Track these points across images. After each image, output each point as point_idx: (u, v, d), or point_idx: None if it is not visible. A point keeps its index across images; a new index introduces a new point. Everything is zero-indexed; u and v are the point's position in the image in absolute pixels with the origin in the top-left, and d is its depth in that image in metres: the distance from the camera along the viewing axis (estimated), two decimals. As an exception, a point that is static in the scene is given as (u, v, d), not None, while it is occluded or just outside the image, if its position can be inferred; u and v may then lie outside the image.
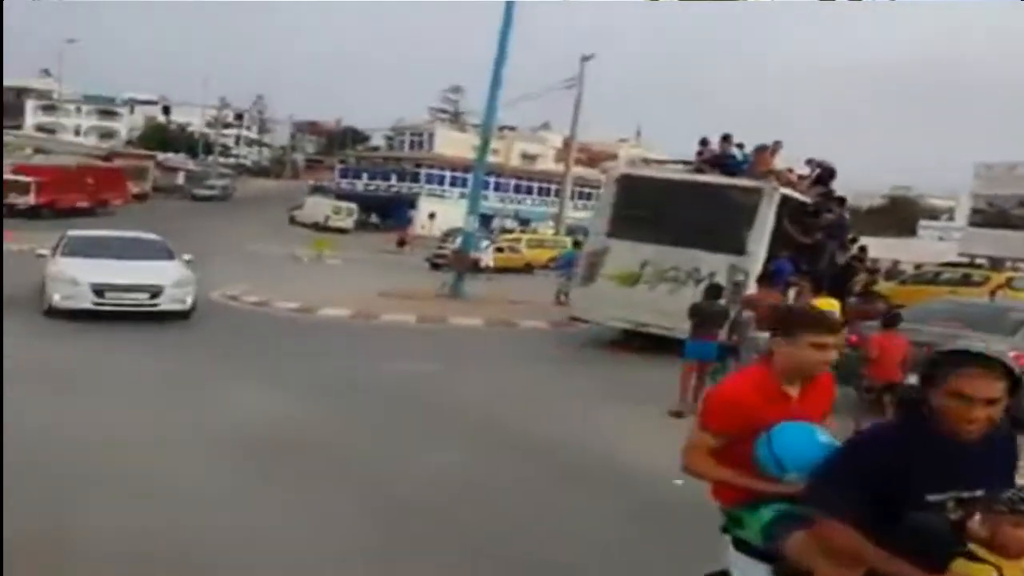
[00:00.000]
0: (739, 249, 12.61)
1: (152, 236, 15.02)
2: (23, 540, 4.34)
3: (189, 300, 13.21)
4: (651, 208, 13.43)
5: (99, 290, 12.48)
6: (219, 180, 67.46)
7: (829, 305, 8.88)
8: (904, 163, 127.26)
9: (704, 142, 14.87)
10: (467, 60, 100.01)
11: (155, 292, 12.78)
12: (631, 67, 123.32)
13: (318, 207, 54.71)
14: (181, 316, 13.01)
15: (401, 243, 43.54)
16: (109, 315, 12.39)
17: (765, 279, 9.71)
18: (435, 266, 31.10)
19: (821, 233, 14.22)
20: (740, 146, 14.70)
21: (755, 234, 12.72)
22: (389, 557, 4.74)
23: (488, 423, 8.11)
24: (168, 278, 13.08)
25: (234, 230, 35.75)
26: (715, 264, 12.21)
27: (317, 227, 48.86)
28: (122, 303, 12.61)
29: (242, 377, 9.46)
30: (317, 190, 63.94)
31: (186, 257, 14.23)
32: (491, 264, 28.85)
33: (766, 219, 12.87)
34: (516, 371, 11.51)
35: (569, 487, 6.26)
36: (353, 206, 55.99)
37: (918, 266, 27.01)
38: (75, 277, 12.58)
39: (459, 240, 24.31)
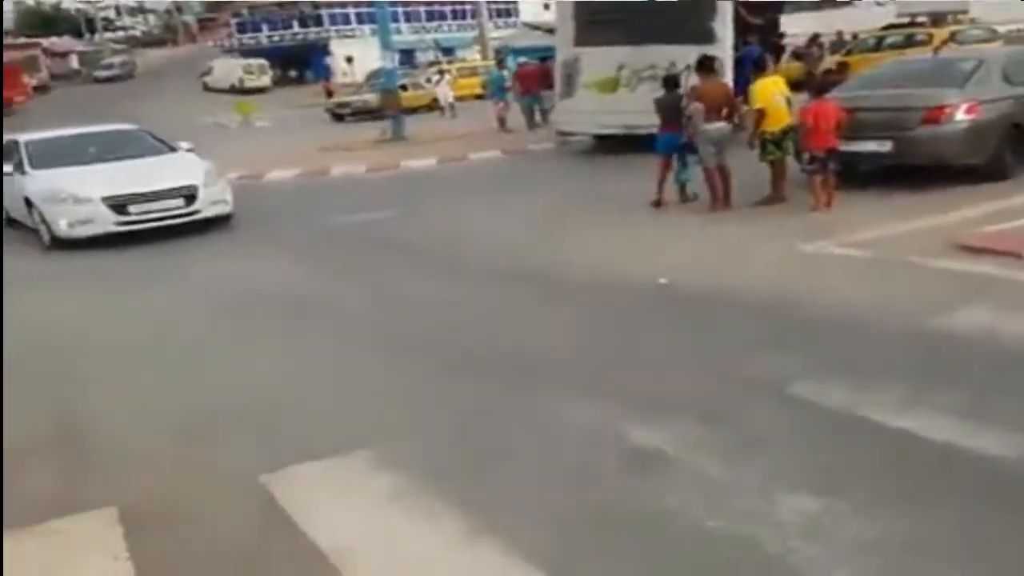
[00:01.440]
0: (709, 38, 12.82)
1: (130, 126, 12.73)
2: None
3: (229, 198, 10.81)
4: (614, 10, 13.44)
5: (119, 204, 9.89)
6: (116, 57, 63.54)
7: (775, 84, 9.21)
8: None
9: None
10: None
11: (190, 195, 10.22)
12: None
13: (229, 69, 52.29)
14: (224, 220, 10.68)
15: (329, 94, 42.13)
16: (135, 236, 9.90)
17: (705, 68, 9.69)
18: (337, 117, 30.25)
19: (767, 11, 14.66)
20: None
21: (720, 20, 13.05)
22: (396, 363, 5.25)
23: (472, 256, 8.38)
24: (195, 175, 10.49)
25: (151, 106, 34.08)
26: (689, 56, 11.68)
27: (233, 90, 46.98)
28: (152, 216, 10.00)
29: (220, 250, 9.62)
30: (226, 52, 60.74)
31: (185, 145, 11.67)
32: (452, 100, 27.34)
33: (726, 4, 13.21)
34: (486, 202, 11.63)
35: (553, 303, 6.53)
36: (264, 62, 53.58)
37: (855, 35, 27.13)
38: (77, 193, 9.89)
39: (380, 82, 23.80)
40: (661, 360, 5.05)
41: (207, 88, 50.28)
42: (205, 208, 10.33)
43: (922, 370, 4.48)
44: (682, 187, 9.75)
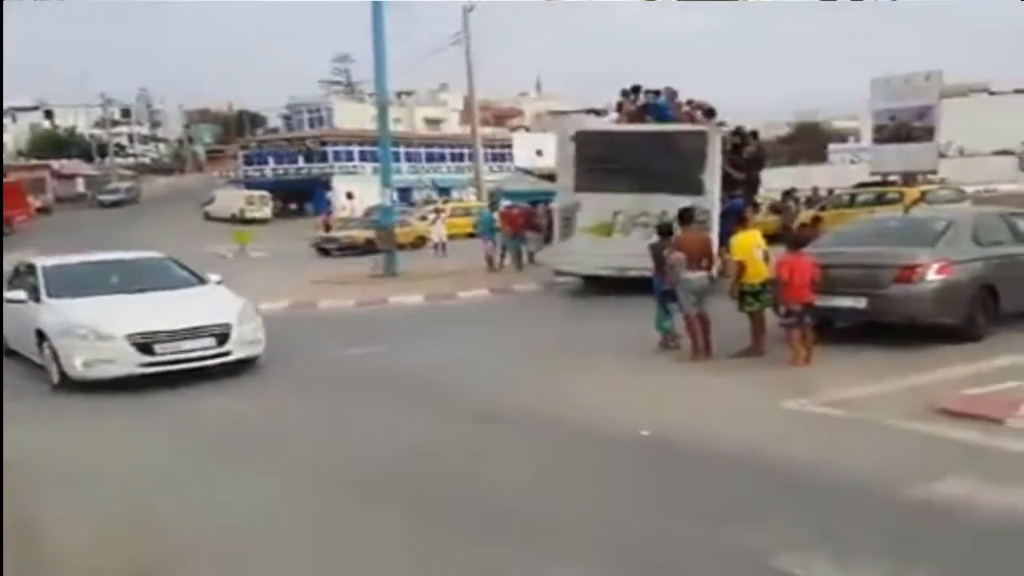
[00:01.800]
0: (698, 190, 13.76)
1: (155, 254, 11.75)
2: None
3: (262, 336, 9.75)
4: (611, 160, 14.43)
5: (145, 343, 8.81)
6: (122, 183, 65.13)
7: (754, 238, 9.41)
8: (804, 89, 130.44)
9: (632, 91, 15.96)
10: (352, 27, 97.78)
11: (223, 334, 9.21)
12: (517, 13, 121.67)
13: (231, 199, 53.62)
14: (253, 361, 9.68)
15: (327, 228, 43.01)
16: (160, 378, 8.86)
17: (685, 219, 10.00)
18: (323, 252, 30.27)
19: (750, 167, 15.71)
20: (658, 93, 15.79)
21: (709, 174, 14.07)
22: (362, 509, 5.03)
23: (454, 396, 8.28)
24: (227, 312, 9.48)
25: (150, 233, 34.62)
26: (680, 206, 11.97)
27: (234, 220, 47.88)
28: (180, 358, 8.95)
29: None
30: (231, 183, 62.48)
31: (215, 278, 10.66)
32: (445, 239, 27.13)
33: (715, 160, 14.24)
34: (472, 341, 11.64)
35: (531, 451, 6.42)
36: (266, 194, 55.00)
37: (830, 191, 28.15)
38: (99, 328, 8.83)
39: (377, 216, 24.33)
40: (638, 523, 4.89)
41: (208, 217, 51.28)
42: (237, 349, 9.31)
43: (905, 544, 4.38)
44: (664, 333, 9.81)
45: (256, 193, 54.90)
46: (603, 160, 14.59)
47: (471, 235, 28.38)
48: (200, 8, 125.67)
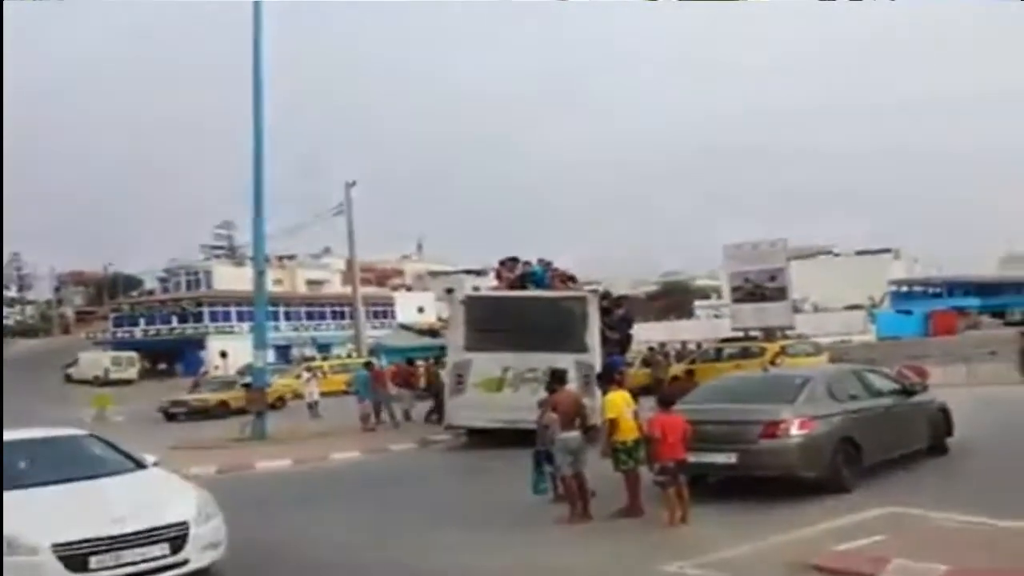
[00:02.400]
0: (581, 348, 14.88)
1: (76, 430, 9.14)
2: None
3: (223, 538, 7.41)
4: (500, 321, 15.48)
5: (77, 555, 6.53)
6: (-23, 346, 61.07)
7: (623, 396, 9.39)
8: (667, 249, 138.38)
9: (510, 260, 17.70)
10: (235, 194, 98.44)
11: (178, 536, 6.99)
12: (398, 184, 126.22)
13: (95, 361, 51.44)
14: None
15: (197, 387, 41.15)
16: None
17: (560, 379, 9.99)
18: (170, 417, 28.12)
19: (622, 326, 17.30)
20: (541, 262, 17.81)
21: (590, 334, 15.28)
22: None
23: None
24: (182, 507, 7.27)
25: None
26: (565, 362, 12.96)
27: (97, 381, 45.57)
28: (123, 573, 6.67)
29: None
30: (97, 344, 59.70)
31: (151, 459, 8.42)
32: (317, 398, 25.49)
33: (595, 321, 15.58)
34: (341, 509, 10.99)
35: None
36: (133, 355, 53.12)
37: (699, 345, 29.26)
38: (16, 536, 6.49)
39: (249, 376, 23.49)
40: None
41: (70, 379, 48.71)
42: (196, 556, 7.04)
43: None
44: (539, 495, 9.53)
45: (123, 354, 52.99)
46: (492, 321, 15.56)
47: (347, 392, 27.68)
48: (78, 170, 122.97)
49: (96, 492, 7.42)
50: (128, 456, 8.35)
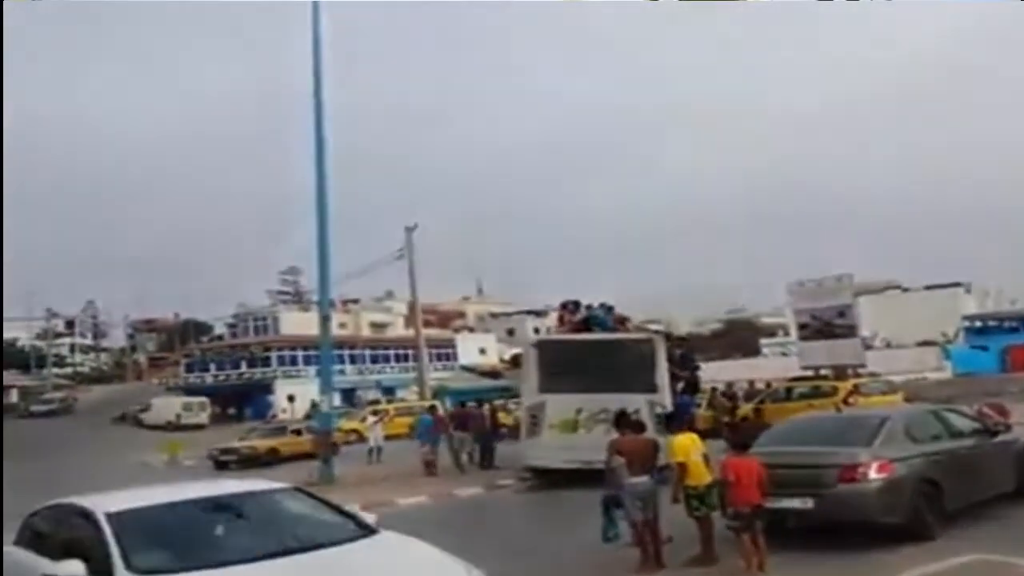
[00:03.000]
0: (652, 388, 15.43)
1: (275, 484, 7.26)
2: None
3: None
4: (571, 364, 16.07)
5: None
6: (56, 393, 63.50)
7: (692, 440, 9.24)
8: (733, 287, 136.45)
9: (573, 305, 18.46)
10: (303, 240, 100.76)
11: None
12: (456, 229, 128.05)
13: (166, 406, 52.62)
14: None
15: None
16: None
17: (626, 422, 9.90)
18: (220, 465, 27.09)
19: (684, 366, 17.82)
20: (602, 306, 18.57)
21: (660, 374, 15.86)
22: None
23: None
24: None
25: (76, 444, 33.25)
26: (636, 402, 13.83)
27: (169, 426, 46.62)
28: None
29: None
30: (170, 390, 61.41)
31: (371, 519, 6.57)
32: (381, 444, 25.07)
33: (663, 361, 16.17)
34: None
35: None
36: (204, 400, 54.15)
37: (768, 384, 28.57)
38: None
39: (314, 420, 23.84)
40: None
41: (142, 425, 49.84)
42: None
43: None
44: (609, 543, 9.35)
45: (194, 399, 54.03)
46: (564, 364, 16.20)
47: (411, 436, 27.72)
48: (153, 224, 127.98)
49: (320, 569, 5.57)
50: (347, 515, 6.67)
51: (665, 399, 15.35)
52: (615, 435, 10.04)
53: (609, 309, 18.43)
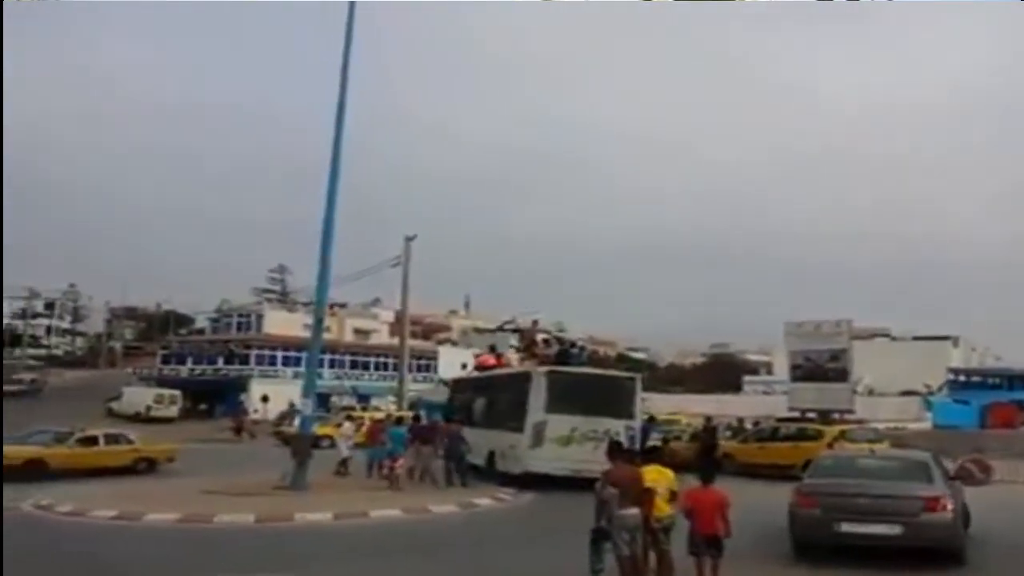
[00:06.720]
0: (630, 416, 20.00)
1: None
2: None
3: None
4: (571, 391, 19.79)
5: None
6: (26, 374, 62.31)
7: (659, 472, 9.30)
8: (717, 322, 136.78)
9: (556, 340, 22.96)
10: (293, 238, 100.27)
11: None
12: (452, 244, 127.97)
13: (138, 396, 51.82)
14: None
15: (237, 430, 41.20)
16: None
17: (619, 451, 9.62)
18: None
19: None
20: (573, 345, 24.84)
21: (636, 405, 20.59)
22: None
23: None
24: None
25: (42, 426, 32.24)
26: (617, 427, 18.74)
27: (138, 417, 45.80)
28: None
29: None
30: (142, 380, 60.38)
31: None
32: (350, 454, 23.13)
33: (639, 395, 21.12)
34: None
35: None
36: (176, 393, 53.39)
37: (756, 423, 28.31)
38: None
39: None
40: None
41: (111, 413, 48.92)
42: None
43: None
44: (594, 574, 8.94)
45: (166, 392, 53.31)
46: (565, 391, 19.71)
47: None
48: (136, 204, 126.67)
49: None
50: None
51: (636, 423, 20.05)
52: (602, 449, 10.25)
53: (581, 349, 23.87)
